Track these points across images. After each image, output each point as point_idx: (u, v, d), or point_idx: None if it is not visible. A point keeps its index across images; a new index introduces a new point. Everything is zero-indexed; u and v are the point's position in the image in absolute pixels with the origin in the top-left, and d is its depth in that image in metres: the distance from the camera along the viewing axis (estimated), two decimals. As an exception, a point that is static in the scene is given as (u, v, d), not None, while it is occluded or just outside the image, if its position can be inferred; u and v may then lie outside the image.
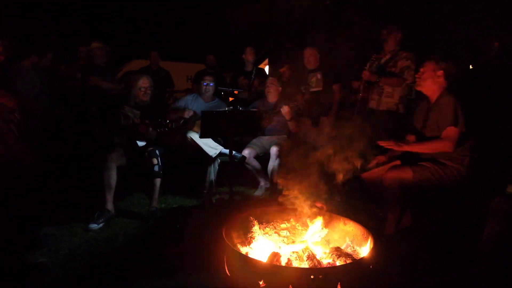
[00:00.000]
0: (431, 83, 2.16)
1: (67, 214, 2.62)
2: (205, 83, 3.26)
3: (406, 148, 2.10)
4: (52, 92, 3.49)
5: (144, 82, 2.76)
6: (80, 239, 2.22)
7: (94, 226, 2.36)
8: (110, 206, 2.50)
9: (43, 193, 2.78)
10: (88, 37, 4.13)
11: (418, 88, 2.24)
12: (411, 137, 2.31)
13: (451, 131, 2.01)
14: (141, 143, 2.71)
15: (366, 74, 3.08)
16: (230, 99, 3.01)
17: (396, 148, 2.10)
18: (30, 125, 3.11)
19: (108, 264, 1.96)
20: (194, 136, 2.98)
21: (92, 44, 3.92)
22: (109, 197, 2.49)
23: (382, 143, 2.10)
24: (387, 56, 3.14)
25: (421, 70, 2.21)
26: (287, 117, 3.10)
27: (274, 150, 3.04)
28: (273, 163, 3.07)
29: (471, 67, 3.89)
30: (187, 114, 3.12)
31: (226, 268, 1.46)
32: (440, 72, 2.13)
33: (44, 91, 3.41)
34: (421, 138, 2.21)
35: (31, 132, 2.99)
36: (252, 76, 3.90)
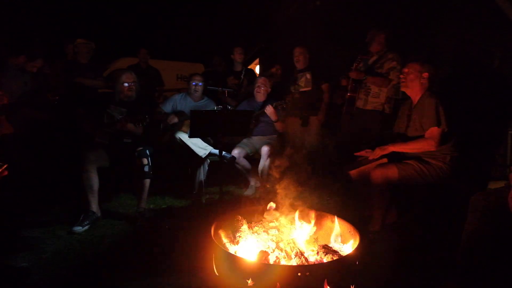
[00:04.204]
0: (416, 84, 2.22)
1: (51, 217, 2.56)
2: (194, 83, 3.24)
3: (392, 148, 2.17)
4: (36, 94, 3.40)
5: (127, 77, 2.71)
6: (64, 242, 2.17)
7: (78, 228, 2.30)
8: (95, 208, 2.45)
9: (24, 194, 2.71)
10: (75, 34, 4.03)
11: (404, 89, 2.29)
12: (395, 136, 2.37)
13: (434, 131, 2.08)
14: (126, 140, 2.66)
15: (353, 74, 3.13)
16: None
17: (380, 152, 2.17)
18: (13, 124, 3.03)
19: (94, 267, 1.92)
20: (183, 136, 2.96)
21: (77, 40, 3.84)
22: (92, 199, 2.43)
23: (371, 155, 2.19)
24: (374, 57, 3.20)
25: (405, 71, 2.25)
26: (273, 118, 3.12)
27: (265, 149, 3.05)
28: (264, 162, 3.08)
29: (453, 68, 4.00)
30: (171, 121, 3.09)
31: (214, 268, 1.47)
32: (426, 74, 2.19)
33: (28, 94, 3.31)
34: (405, 137, 2.27)
35: (13, 131, 2.90)
36: (241, 77, 3.89)
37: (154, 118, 3.07)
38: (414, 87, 2.23)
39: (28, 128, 3.07)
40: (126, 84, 2.70)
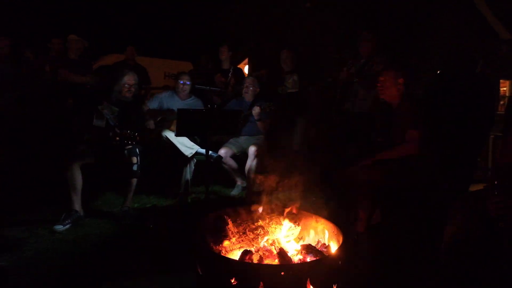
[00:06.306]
0: (393, 91, 2.27)
1: (33, 216, 2.48)
2: (181, 81, 3.21)
3: (378, 157, 2.21)
4: (17, 88, 3.27)
5: (129, 79, 2.71)
6: (46, 242, 2.11)
7: (59, 227, 2.25)
8: (77, 206, 2.39)
9: (5, 192, 2.62)
10: (62, 29, 3.93)
11: (382, 97, 2.35)
12: (380, 139, 2.42)
13: (413, 134, 2.13)
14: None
15: (344, 74, 3.17)
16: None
17: (371, 160, 2.21)
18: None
19: (76, 266, 1.88)
20: (170, 135, 2.92)
21: (69, 36, 3.76)
22: (75, 198, 2.38)
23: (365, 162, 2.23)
24: (363, 60, 3.26)
25: (381, 79, 2.31)
26: (255, 117, 3.13)
27: (252, 149, 3.05)
28: (251, 162, 3.08)
29: (438, 72, 4.11)
30: (150, 126, 3.02)
31: (198, 267, 1.45)
32: (401, 80, 2.25)
33: (7, 87, 3.19)
34: (388, 141, 2.31)
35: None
36: (229, 75, 3.88)
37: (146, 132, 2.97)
38: (391, 94, 2.29)
39: (4, 122, 2.96)
40: (126, 85, 2.68)
